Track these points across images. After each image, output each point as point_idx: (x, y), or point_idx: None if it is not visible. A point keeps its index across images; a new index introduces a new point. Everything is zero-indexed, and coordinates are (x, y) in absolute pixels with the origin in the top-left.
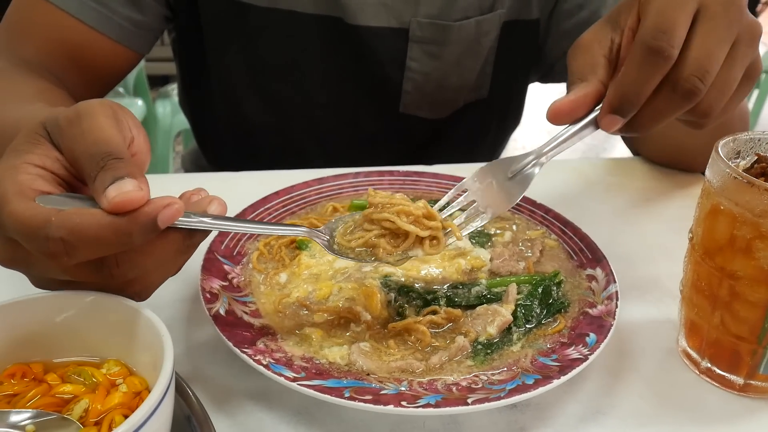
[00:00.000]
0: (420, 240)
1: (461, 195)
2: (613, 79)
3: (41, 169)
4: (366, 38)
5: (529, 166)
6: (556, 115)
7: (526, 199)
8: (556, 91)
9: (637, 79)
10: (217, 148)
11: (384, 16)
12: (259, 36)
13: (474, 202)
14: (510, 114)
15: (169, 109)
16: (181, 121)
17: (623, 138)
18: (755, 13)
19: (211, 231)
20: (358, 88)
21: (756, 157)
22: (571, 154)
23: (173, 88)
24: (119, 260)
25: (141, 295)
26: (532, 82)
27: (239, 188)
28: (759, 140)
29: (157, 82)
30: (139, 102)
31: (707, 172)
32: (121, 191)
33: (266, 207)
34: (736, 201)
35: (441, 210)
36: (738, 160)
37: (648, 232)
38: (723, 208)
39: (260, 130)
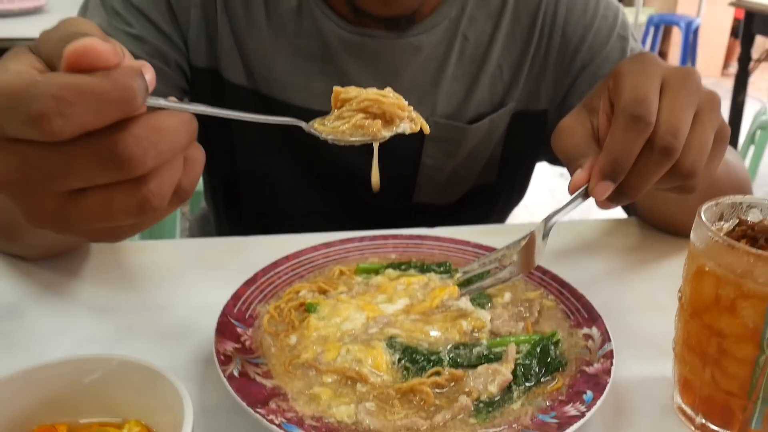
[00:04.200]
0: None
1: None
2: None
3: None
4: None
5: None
6: (576, 188)
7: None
8: None
9: (624, 145)
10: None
11: None
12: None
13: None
14: (515, 193)
15: None
16: None
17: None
18: (748, 71)
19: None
20: (370, 186)
21: (738, 221)
22: (568, 216)
23: None
24: (132, 136)
25: (155, 197)
26: (540, 161)
27: (249, 252)
28: (741, 204)
29: None
30: None
31: (692, 235)
32: (80, 42)
33: (276, 271)
34: (718, 262)
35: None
36: (721, 223)
37: (643, 291)
38: (707, 269)
39: (277, 208)
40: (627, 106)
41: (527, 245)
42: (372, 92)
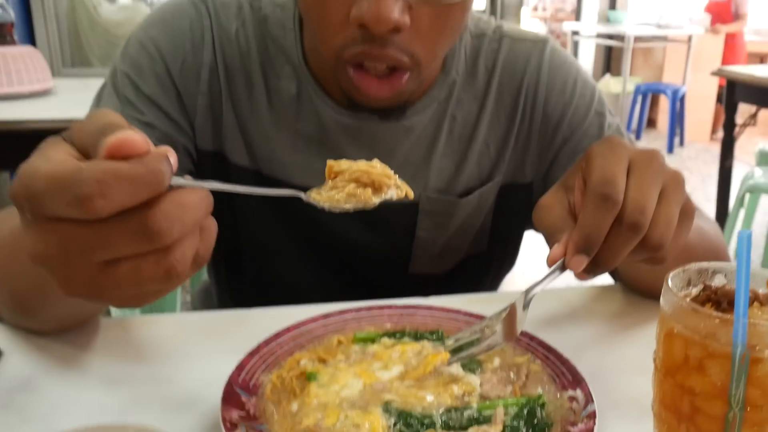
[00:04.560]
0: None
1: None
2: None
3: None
4: (381, 213)
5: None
6: (553, 262)
7: None
8: None
9: (595, 222)
10: (233, 283)
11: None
12: (282, 207)
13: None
14: (506, 262)
15: None
16: None
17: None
18: (733, 136)
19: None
20: (372, 254)
21: (703, 286)
22: (555, 284)
23: None
24: (162, 212)
25: (179, 264)
26: (528, 230)
27: (251, 324)
28: (707, 270)
29: None
30: None
31: (661, 300)
32: (118, 135)
33: (278, 342)
34: (685, 325)
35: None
36: (689, 288)
37: (627, 354)
38: (676, 331)
39: (277, 279)
40: (596, 186)
41: (509, 315)
42: (362, 164)
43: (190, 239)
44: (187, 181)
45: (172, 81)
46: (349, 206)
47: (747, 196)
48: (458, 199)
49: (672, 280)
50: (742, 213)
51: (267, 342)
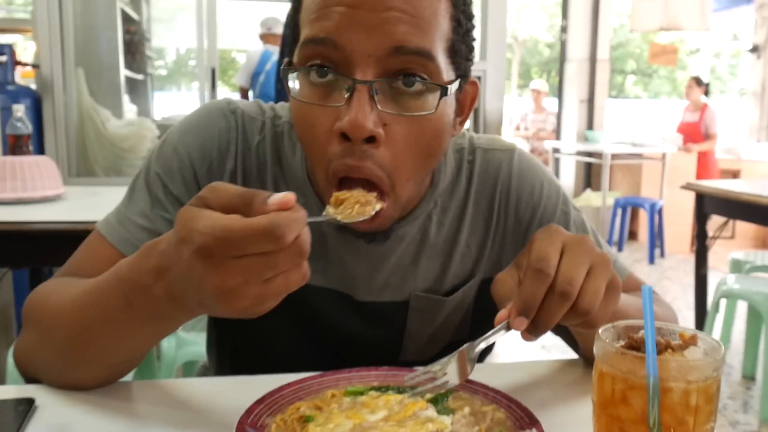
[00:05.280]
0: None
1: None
2: None
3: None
4: (372, 311)
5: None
6: (500, 322)
7: (481, 384)
8: None
9: (531, 290)
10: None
11: (388, 294)
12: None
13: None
14: (488, 349)
15: (174, 344)
16: (184, 354)
17: (569, 344)
18: (706, 246)
19: None
20: (366, 345)
21: (627, 338)
22: (523, 357)
23: None
24: (304, 239)
25: (307, 272)
26: None
27: (254, 387)
28: (633, 327)
29: None
30: None
31: (594, 348)
32: (278, 196)
33: (281, 394)
34: (611, 365)
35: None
36: (619, 341)
37: (581, 410)
38: (605, 371)
39: (274, 360)
40: (533, 263)
41: (459, 359)
42: (357, 192)
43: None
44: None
45: (197, 183)
46: (359, 219)
47: (722, 301)
48: (444, 298)
49: (603, 333)
50: (718, 319)
51: (271, 393)
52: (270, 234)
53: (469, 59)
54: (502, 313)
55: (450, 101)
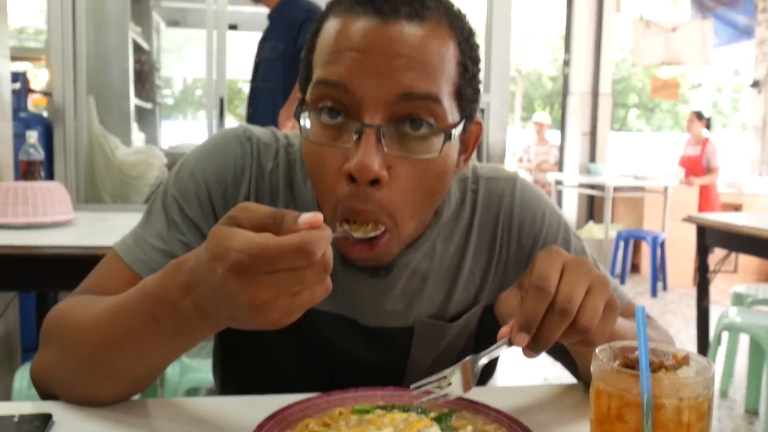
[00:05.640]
0: None
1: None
2: None
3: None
4: (377, 336)
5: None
6: (502, 337)
7: (483, 405)
8: None
9: (532, 307)
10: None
11: (393, 319)
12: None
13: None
14: (487, 372)
15: (178, 370)
16: (188, 381)
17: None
18: (707, 279)
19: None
20: (371, 370)
21: (623, 357)
22: (527, 381)
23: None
24: (329, 255)
25: (330, 286)
26: None
27: (264, 406)
28: (628, 347)
29: None
30: None
31: (591, 367)
32: (307, 216)
33: (290, 411)
34: (607, 383)
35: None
36: (615, 361)
37: (583, 429)
38: (602, 389)
39: (278, 385)
40: (534, 281)
41: (463, 370)
42: (354, 226)
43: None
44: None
45: (212, 207)
46: (372, 234)
47: (724, 334)
48: (449, 324)
49: (599, 353)
50: (720, 352)
51: (281, 410)
52: (302, 251)
53: (475, 101)
54: (504, 329)
55: (454, 143)
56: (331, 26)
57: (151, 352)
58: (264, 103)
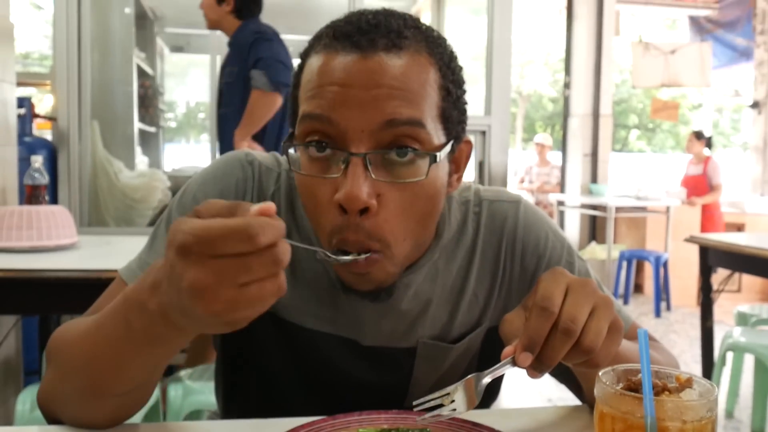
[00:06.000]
0: None
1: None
2: None
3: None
4: (379, 356)
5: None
6: (505, 357)
7: (487, 427)
8: None
9: (536, 327)
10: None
11: (396, 340)
12: (294, 346)
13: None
14: (490, 395)
15: (181, 392)
16: (191, 403)
17: (573, 391)
18: (711, 299)
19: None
20: (372, 390)
21: (626, 380)
22: (530, 404)
23: (185, 373)
24: (281, 249)
25: (283, 284)
26: None
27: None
28: (631, 370)
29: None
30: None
31: (595, 390)
32: (259, 205)
33: None
34: (611, 405)
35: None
36: (619, 384)
37: None
38: (605, 412)
39: (280, 408)
40: (539, 301)
41: (467, 387)
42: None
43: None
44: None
45: None
46: (361, 258)
47: (729, 354)
48: (451, 345)
49: (603, 376)
50: (725, 372)
51: None
52: (244, 233)
53: (462, 122)
54: (508, 349)
55: (442, 165)
56: (313, 63)
57: (128, 363)
58: (230, 126)
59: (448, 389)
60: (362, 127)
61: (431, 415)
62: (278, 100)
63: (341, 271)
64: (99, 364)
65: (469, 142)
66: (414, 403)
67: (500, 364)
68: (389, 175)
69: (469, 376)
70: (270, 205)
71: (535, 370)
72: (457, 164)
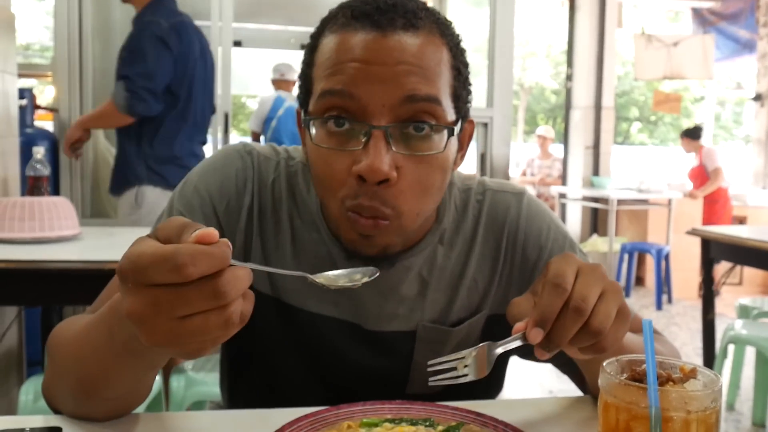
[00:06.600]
0: None
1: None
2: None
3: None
4: (380, 340)
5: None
6: (516, 331)
7: (491, 417)
8: None
9: (549, 302)
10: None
11: (396, 323)
12: (296, 330)
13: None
14: (493, 386)
15: (183, 383)
16: (193, 394)
17: (576, 383)
18: (712, 292)
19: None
20: (373, 375)
21: (630, 370)
22: (532, 394)
23: (188, 364)
24: (225, 280)
25: (234, 317)
26: (512, 356)
27: (272, 420)
28: (635, 361)
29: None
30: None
31: (599, 380)
32: (200, 231)
33: (298, 425)
34: (615, 396)
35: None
36: (622, 374)
37: None
38: (610, 402)
39: (282, 396)
40: (551, 278)
41: (479, 355)
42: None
43: (240, 301)
44: (237, 261)
45: (217, 219)
46: (349, 285)
47: (730, 347)
48: (451, 329)
49: (607, 366)
50: (726, 365)
51: (290, 424)
52: (168, 262)
53: (468, 101)
54: (519, 324)
55: (454, 140)
56: (330, 41)
57: (114, 371)
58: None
59: (463, 353)
60: (383, 102)
61: (442, 377)
62: (128, 122)
63: (346, 231)
64: (87, 369)
65: (472, 122)
66: (428, 363)
67: (511, 338)
68: (408, 148)
69: (482, 344)
70: (209, 231)
71: (544, 348)
72: (462, 143)
